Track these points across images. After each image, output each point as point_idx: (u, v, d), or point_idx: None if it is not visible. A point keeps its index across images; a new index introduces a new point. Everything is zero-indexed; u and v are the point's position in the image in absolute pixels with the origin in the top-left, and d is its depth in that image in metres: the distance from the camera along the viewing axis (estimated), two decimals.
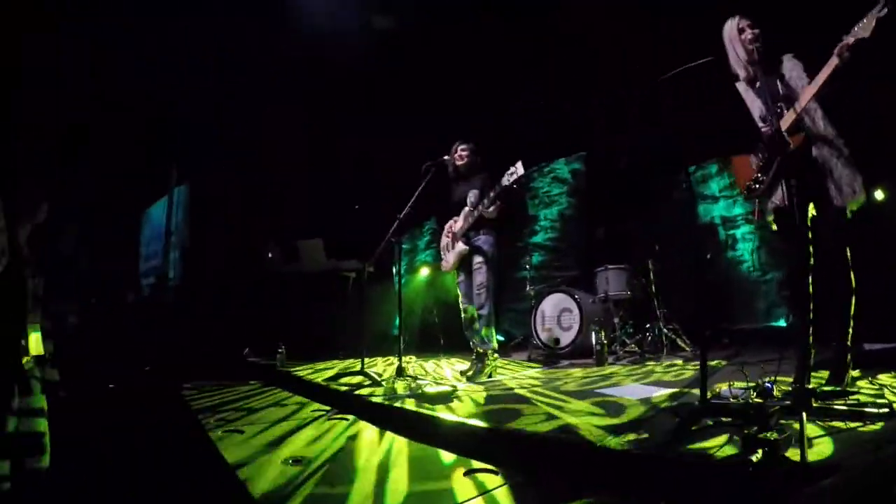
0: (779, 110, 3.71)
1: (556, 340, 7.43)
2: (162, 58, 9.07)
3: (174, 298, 11.86)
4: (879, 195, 7.89)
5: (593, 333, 6.61)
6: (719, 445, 2.44)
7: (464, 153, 6.03)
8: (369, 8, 8.82)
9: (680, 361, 6.25)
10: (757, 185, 3.96)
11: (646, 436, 2.73)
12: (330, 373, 6.14)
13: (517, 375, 5.82)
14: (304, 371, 6.58)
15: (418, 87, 10.05)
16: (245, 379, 7.04)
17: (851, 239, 3.68)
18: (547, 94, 10.00)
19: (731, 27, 3.91)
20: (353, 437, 3.67)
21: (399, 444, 3.44)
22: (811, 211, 3.74)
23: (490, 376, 5.59)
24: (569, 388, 4.59)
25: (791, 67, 3.77)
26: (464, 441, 3.16)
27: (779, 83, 3.78)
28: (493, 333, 5.74)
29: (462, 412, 3.66)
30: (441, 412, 3.66)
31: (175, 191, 13.24)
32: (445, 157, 5.94)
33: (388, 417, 3.98)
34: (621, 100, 6.71)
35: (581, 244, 10.36)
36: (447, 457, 3.08)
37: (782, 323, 8.51)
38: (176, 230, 13.11)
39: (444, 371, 6.43)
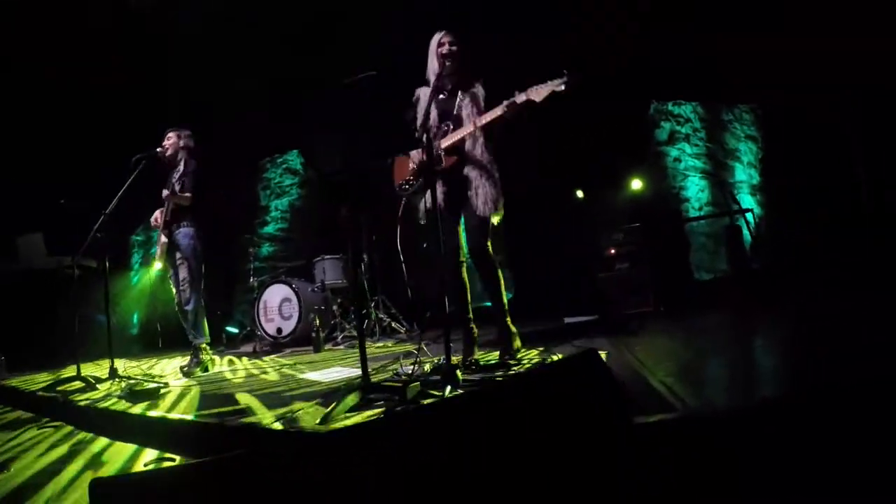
0: (446, 128, 4.29)
1: (279, 330, 7.89)
2: None
3: None
4: (580, 194, 9.24)
5: (313, 322, 7.15)
6: (366, 418, 2.96)
7: (168, 141, 6.04)
8: None
9: (391, 343, 7.04)
10: (407, 186, 4.53)
11: (308, 413, 3.23)
12: (49, 380, 5.87)
13: (235, 366, 6.23)
14: (21, 381, 6.41)
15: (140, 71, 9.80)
16: None
17: (487, 239, 4.28)
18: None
19: (434, 39, 4.33)
20: (59, 443, 3.80)
21: (100, 443, 3.68)
22: (462, 214, 4.36)
23: (206, 370, 5.87)
24: (271, 377, 5.10)
25: (473, 95, 4.25)
26: (155, 434, 3.51)
27: (458, 102, 4.29)
28: (204, 327, 5.96)
29: (159, 408, 4.00)
30: (137, 410, 3.97)
31: None
32: (158, 149, 5.87)
33: (93, 420, 4.15)
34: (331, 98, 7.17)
35: (310, 234, 10.87)
36: (138, 450, 3.41)
37: (489, 304, 9.59)
38: None
39: (167, 368, 6.64)
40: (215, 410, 3.65)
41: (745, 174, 10.13)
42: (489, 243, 4.31)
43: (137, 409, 4.02)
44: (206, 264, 6.05)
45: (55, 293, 8.46)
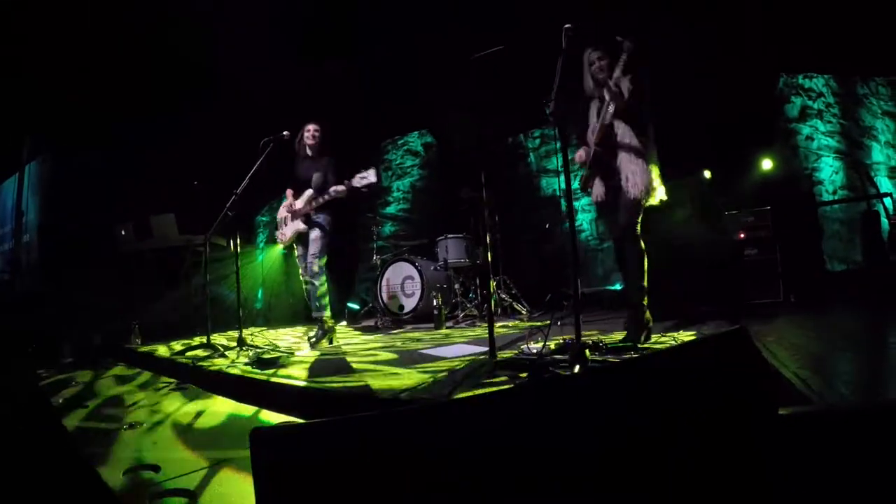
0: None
1: (401, 307, 7.90)
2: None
3: (28, 285, 11.33)
4: (707, 174, 8.67)
5: (434, 299, 7.09)
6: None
7: (316, 133, 6.18)
8: None
9: (512, 323, 6.91)
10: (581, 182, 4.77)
11: (434, 385, 3.17)
12: (179, 347, 6.19)
13: (357, 340, 6.24)
14: (154, 347, 6.65)
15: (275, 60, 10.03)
16: (101, 358, 7.07)
17: (636, 221, 4.30)
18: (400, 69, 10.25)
19: (585, 58, 4.45)
20: (185, 401, 3.94)
21: (222, 403, 3.80)
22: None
23: (331, 342, 5.94)
24: (395, 349, 5.05)
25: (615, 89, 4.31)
26: (277, 398, 3.51)
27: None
28: (328, 301, 6.02)
29: (282, 375, 4.01)
30: (261, 376, 3.99)
31: (27, 167, 12.40)
32: (285, 133, 5.92)
33: (219, 383, 4.26)
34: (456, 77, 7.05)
35: (431, 214, 10.85)
36: (253, 409, 3.51)
37: (617, 286, 9.27)
38: (28, 210, 12.34)
39: (290, 339, 6.74)
40: (337, 381, 3.59)
41: (882, 155, 9.08)
42: (638, 226, 4.33)
43: (263, 375, 4.04)
44: (330, 244, 6.14)
45: (185, 269, 8.81)
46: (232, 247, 6.08)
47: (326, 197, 5.90)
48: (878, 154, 9.06)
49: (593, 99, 4.55)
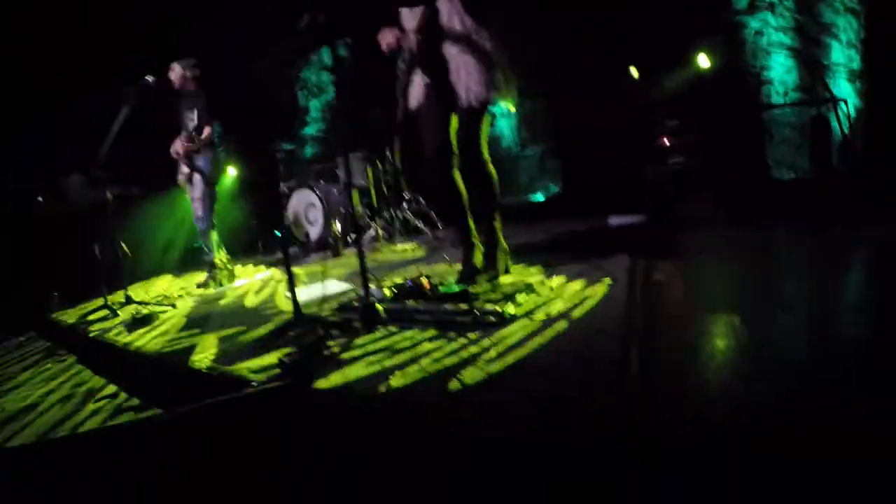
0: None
1: (306, 234, 7.90)
2: None
3: None
4: (634, 72, 8.01)
5: (333, 225, 7.14)
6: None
7: (172, 73, 6.03)
8: None
9: (412, 245, 6.72)
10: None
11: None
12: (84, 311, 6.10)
13: (245, 280, 6.20)
14: (65, 314, 6.44)
15: None
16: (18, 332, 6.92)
17: (476, 135, 3.58)
18: None
19: None
20: (46, 370, 4.10)
21: (81, 374, 3.89)
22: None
23: (221, 285, 6.01)
24: (262, 294, 5.17)
25: None
26: (115, 367, 3.68)
27: None
28: (215, 243, 6.18)
29: (132, 338, 4.12)
30: (114, 340, 4.13)
31: None
32: (148, 77, 5.45)
33: (89, 350, 4.40)
34: None
35: (346, 133, 10.67)
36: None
37: (540, 197, 9.39)
38: None
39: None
40: (167, 344, 3.72)
41: (843, 55, 8.03)
42: (482, 140, 3.61)
43: (118, 339, 4.18)
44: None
45: (100, 226, 8.76)
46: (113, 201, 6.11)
47: (198, 143, 6.01)
48: (839, 54, 8.10)
49: None
